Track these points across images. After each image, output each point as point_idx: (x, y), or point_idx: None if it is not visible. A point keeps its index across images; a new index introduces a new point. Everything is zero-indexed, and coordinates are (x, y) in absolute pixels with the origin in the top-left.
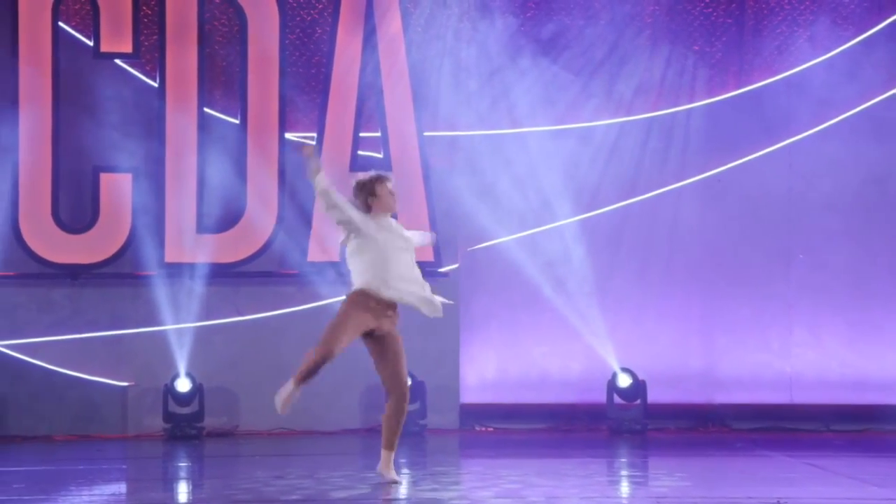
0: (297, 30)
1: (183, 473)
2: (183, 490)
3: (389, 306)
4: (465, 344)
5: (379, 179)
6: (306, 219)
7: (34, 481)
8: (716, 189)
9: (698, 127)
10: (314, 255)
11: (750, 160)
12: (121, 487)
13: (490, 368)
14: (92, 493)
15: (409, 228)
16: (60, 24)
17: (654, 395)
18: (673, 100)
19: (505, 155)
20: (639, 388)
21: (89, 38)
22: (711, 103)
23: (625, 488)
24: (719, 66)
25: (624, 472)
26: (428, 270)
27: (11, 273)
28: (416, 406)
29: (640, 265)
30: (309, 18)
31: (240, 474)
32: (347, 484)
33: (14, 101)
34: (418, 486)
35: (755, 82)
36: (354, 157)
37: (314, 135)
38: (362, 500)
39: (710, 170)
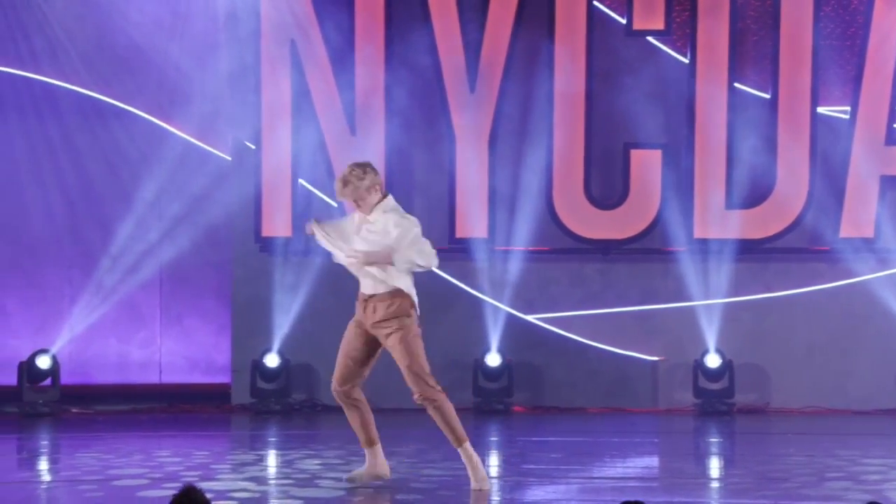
0: (832, 1)
1: (714, 449)
2: (715, 465)
3: None
4: None
5: None
6: (838, 194)
7: (570, 452)
8: None
9: None
10: (847, 230)
11: None
12: (653, 461)
13: None
14: (626, 465)
15: None
16: (594, 2)
17: None
18: None
19: None
20: None
21: (622, 17)
22: None
23: None
24: None
25: None
26: None
27: (546, 248)
28: None
29: None
30: None
31: (771, 452)
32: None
33: (549, 82)
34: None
35: None
36: (890, 129)
37: (847, 108)
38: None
39: None
